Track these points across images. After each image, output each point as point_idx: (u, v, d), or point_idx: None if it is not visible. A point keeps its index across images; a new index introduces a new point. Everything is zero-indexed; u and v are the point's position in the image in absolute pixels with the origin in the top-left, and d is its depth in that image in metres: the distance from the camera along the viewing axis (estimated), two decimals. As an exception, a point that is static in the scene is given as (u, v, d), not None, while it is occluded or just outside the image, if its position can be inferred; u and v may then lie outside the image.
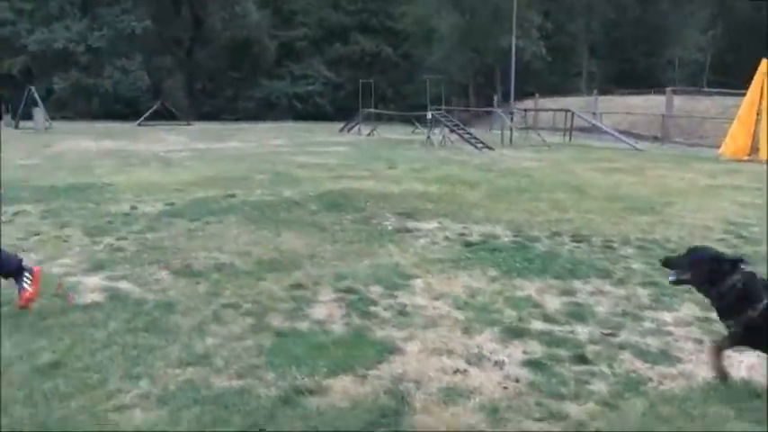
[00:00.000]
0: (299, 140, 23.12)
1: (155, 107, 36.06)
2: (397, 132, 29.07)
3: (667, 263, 3.57)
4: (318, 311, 4.55)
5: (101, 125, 33.24)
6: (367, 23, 51.96)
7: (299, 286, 5.13)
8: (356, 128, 28.57)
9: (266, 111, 47.71)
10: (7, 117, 33.06)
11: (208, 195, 9.70)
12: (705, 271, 3.28)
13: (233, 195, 9.62)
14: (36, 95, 29.71)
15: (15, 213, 8.17)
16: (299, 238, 6.94)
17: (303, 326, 4.25)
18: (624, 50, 53.61)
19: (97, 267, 5.66)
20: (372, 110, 30.07)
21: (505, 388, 3.30)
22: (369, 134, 26.95)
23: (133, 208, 8.66)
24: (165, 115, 36.25)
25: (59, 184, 10.89)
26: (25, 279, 4.68)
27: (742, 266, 3.23)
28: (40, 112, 28.13)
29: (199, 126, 33.21)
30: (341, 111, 44.30)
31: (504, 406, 3.08)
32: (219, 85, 50.59)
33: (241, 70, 49.71)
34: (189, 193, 10.03)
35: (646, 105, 31.24)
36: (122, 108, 42.99)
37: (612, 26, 53.34)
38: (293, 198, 9.53)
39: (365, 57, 51.46)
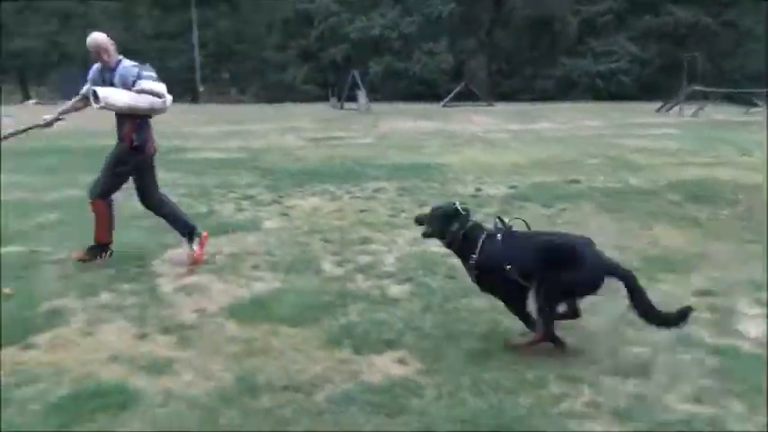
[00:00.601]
0: (615, 122, 21.65)
1: (458, 88, 37.10)
2: (725, 112, 25.65)
3: (417, 220, 3.97)
4: (751, 328, 3.86)
5: (406, 106, 35.28)
6: (683, -9, 46.85)
7: (707, 293, 4.48)
8: (677, 107, 25.84)
9: (565, 90, 46.16)
10: (333, 99, 37.10)
11: (548, 180, 9.39)
12: (439, 223, 3.72)
13: (576, 181, 9.16)
14: (358, 79, 32.68)
15: (376, 190, 8.78)
16: (676, 232, 6.23)
17: (743, 346, 3.62)
18: None
19: (473, 250, 5.66)
20: (697, 87, 26.92)
21: None
22: (693, 114, 24.19)
23: (478, 189, 8.73)
24: (467, 96, 37.13)
25: (400, 163, 11.55)
26: (195, 241, 5.28)
27: (469, 218, 3.69)
28: (362, 95, 30.87)
29: (501, 107, 33.37)
30: (645, 89, 40.81)
31: None
32: (517, 65, 50.35)
33: (540, 49, 48.76)
34: (527, 176, 9.84)
35: None
36: (423, 90, 45.23)
37: None
38: (643, 186, 8.74)
39: (678, 28, 46.50)
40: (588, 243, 3.50)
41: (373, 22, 45.98)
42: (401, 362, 3.44)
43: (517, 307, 3.62)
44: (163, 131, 18.17)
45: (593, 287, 3.41)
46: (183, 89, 47.06)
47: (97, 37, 5.00)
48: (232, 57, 49.95)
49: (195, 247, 5.32)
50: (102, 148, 5.84)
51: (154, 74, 5.06)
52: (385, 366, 3.40)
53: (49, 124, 5.43)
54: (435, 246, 5.79)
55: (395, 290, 4.63)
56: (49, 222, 6.76)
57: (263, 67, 50.60)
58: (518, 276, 3.45)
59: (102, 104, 4.84)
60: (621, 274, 3.40)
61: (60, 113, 5.41)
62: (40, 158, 11.41)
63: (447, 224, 3.69)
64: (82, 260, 5.19)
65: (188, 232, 5.36)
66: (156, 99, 4.98)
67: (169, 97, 5.11)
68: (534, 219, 6.83)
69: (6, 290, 4.56)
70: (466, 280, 4.80)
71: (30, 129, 5.54)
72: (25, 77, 48.93)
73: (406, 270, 5.08)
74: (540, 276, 3.39)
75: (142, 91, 4.91)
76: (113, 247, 5.35)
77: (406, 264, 5.26)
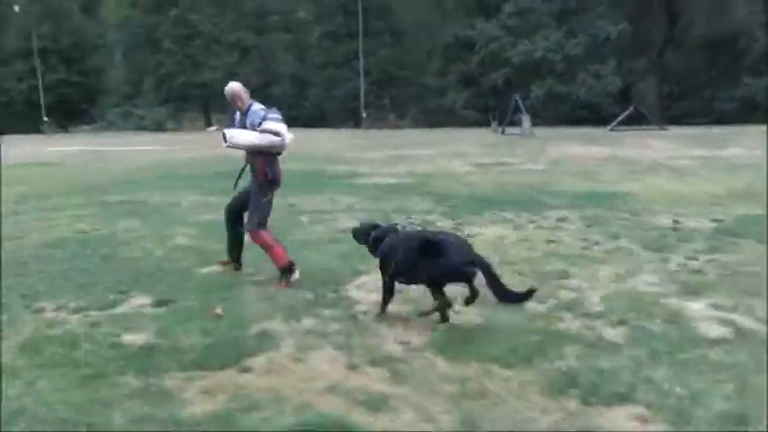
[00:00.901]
0: (817, 147, 19.24)
1: (627, 111, 35.08)
2: None
3: (354, 235, 5.09)
4: None
5: (571, 130, 33.97)
6: None
7: None
8: None
9: (748, 112, 42.10)
10: (494, 124, 36.76)
11: (757, 212, 8.40)
12: (362, 235, 4.93)
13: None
14: (521, 104, 32.06)
15: (560, 219, 8.33)
16: None
17: None
18: None
19: (689, 291, 5.09)
20: None
21: None
22: None
23: (676, 222, 7.99)
24: (635, 119, 35.00)
25: (578, 191, 10.98)
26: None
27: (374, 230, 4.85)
28: (526, 119, 30.19)
29: (675, 130, 31.03)
30: None
31: None
32: (689, 86, 46.82)
33: (718, 68, 45.00)
34: (729, 207, 8.91)
35: None
36: (586, 113, 43.35)
37: None
38: None
39: None
40: (453, 237, 4.66)
41: (536, 45, 45.09)
42: (641, 419, 3.06)
43: (389, 285, 4.59)
44: (329, 156, 19.00)
45: (456, 274, 4.30)
46: (347, 115, 49.22)
47: (233, 86, 5.56)
48: (393, 83, 51.38)
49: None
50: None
51: (278, 116, 5.49)
52: (622, 423, 3.04)
53: (247, 163, 5.80)
54: (645, 285, 5.36)
55: (610, 333, 4.21)
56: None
57: (423, 93, 51.54)
58: (401, 263, 4.47)
59: (229, 144, 5.40)
60: (480, 263, 4.28)
61: (246, 157, 5.77)
62: (223, 180, 12.21)
63: (368, 235, 4.84)
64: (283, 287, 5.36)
65: (234, 259, 5.95)
66: (275, 138, 5.38)
67: (289, 135, 5.52)
68: (758, 258, 6.08)
69: (218, 310, 4.75)
70: (690, 325, 4.34)
71: (240, 173, 5.92)
72: (208, 106, 53.69)
73: (615, 310, 4.64)
74: (421, 268, 4.35)
75: (264, 131, 5.35)
76: (299, 266, 5.56)
77: (613, 303, 4.81)
